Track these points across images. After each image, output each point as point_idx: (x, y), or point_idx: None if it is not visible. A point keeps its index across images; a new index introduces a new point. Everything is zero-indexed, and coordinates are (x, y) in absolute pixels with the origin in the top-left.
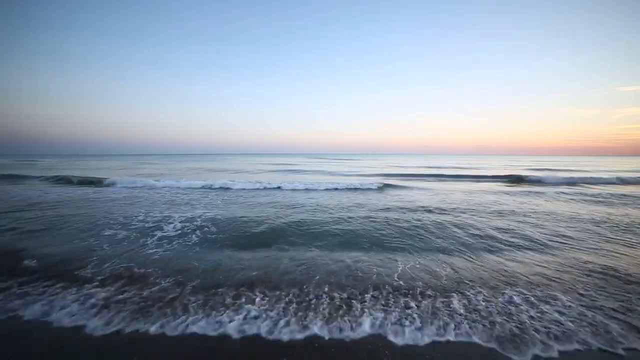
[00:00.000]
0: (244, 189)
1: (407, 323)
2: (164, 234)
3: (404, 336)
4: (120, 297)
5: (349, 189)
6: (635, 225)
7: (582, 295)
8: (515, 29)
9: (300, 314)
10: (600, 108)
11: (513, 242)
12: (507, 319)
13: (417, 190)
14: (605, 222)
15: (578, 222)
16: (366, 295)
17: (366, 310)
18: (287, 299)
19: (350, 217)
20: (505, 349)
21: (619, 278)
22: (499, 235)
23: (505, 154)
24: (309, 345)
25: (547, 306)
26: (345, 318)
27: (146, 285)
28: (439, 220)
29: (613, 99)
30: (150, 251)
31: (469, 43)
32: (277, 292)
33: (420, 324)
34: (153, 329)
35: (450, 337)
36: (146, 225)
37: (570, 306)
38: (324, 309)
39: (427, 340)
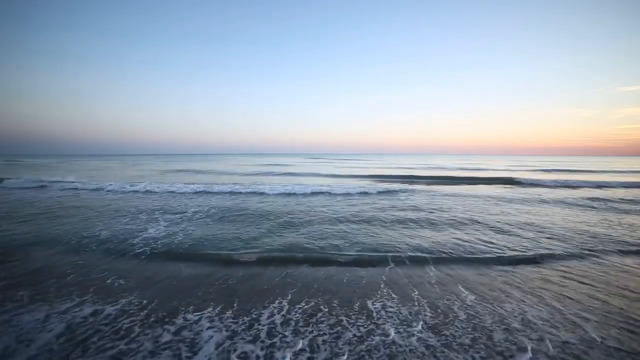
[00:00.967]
0: (185, 192)
1: None
2: None
3: None
4: None
5: (319, 193)
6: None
7: None
8: (516, 29)
9: None
10: (600, 108)
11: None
12: None
13: (405, 194)
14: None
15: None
16: None
17: None
18: None
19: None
20: None
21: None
22: None
23: (504, 154)
24: None
25: None
26: None
27: None
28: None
29: (613, 99)
30: None
31: (470, 43)
32: None
33: None
34: None
35: None
36: None
37: None
38: None
39: None
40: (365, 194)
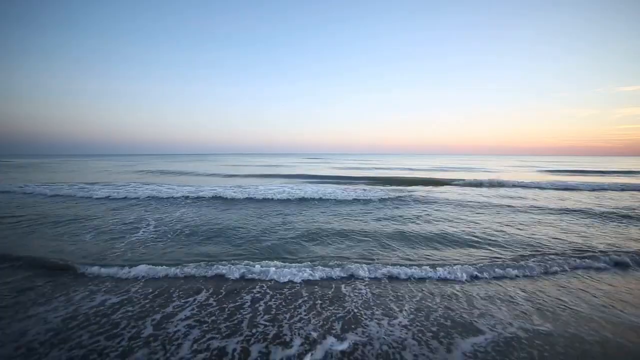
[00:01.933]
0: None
1: None
2: None
3: None
4: None
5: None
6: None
7: None
8: (516, 29)
9: None
10: (600, 108)
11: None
12: None
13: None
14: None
15: None
16: None
17: None
18: None
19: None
20: None
21: None
22: None
23: (504, 154)
24: None
25: None
26: None
27: None
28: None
29: (612, 99)
30: None
31: (470, 43)
32: None
33: None
34: None
35: None
36: None
37: None
38: None
39: None
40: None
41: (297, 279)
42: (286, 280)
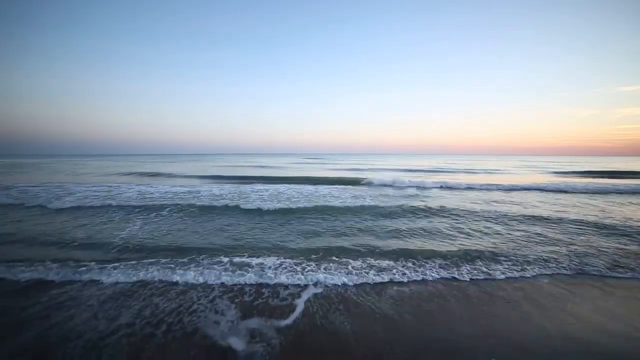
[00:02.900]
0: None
1: None
2: None
3: None
4: None
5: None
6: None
7: None
8: (516, 29)
9: None
10: (600, 108)
11: None
12: None
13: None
14: None
15: None
16: None
17: None
18: None
19: None
20: None
21: None
22: None
23: (504, 154)
24: None
25: None
26: None
27: None
28: None
29: (612, 99)
30: None
31: (470, 43)
32: None
33: None
34: None
35: None
36: None
37: None
38: None
39: None
40: None
41: None
42: None
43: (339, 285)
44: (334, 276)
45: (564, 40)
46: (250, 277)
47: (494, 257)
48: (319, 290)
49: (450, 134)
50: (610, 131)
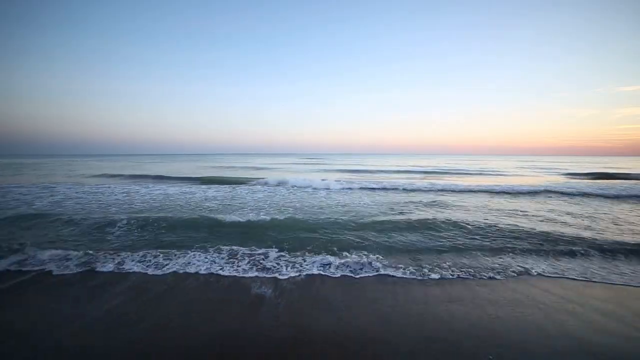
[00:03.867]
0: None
1: None
2: None
3: None
4: None
5: None
6: None
7: None
8: (515, 29)
9: None
10: (600, 108)
11: None
12: None
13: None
14: None
15: None
16: None
17: None
18: None
19: None
20: None
21: None
22: None
23: (504, 154)
24: None
25: None
26: None
27: None
28: None
29: (612, 99)
30: None
31: (470, 43)
32: None
33: None
34: None
35: None
36: None
37: None
38: None
39: None
40: None
41: None
42: None
43: None
44: None
45: (564, 40)
46: None
47: None
48: None
49: (450, 134)
50: (610, 131)
